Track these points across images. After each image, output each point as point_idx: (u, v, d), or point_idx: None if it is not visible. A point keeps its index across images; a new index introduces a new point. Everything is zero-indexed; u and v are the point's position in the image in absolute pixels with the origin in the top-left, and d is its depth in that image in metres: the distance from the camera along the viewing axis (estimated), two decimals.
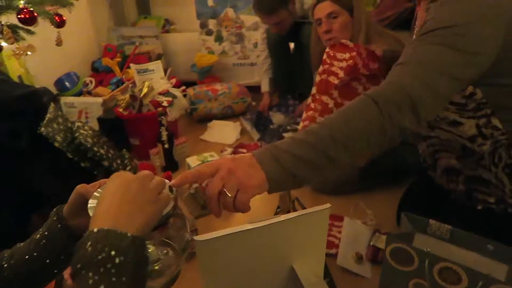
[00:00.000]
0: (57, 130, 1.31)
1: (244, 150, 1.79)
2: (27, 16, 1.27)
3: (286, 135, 1.96)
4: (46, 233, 0.57)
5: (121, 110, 1.85)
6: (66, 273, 0.87)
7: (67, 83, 2.06)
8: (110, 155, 1.47)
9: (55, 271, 0.59)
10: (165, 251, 0.54)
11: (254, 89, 2.42)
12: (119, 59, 2.44)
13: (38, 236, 0.58)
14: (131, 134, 1.89)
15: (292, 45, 2.27)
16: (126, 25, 2.77)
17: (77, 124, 1.44)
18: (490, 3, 0.70)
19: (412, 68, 0.70)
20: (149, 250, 0.52)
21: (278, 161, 0.60)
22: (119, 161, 1.52)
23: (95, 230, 0.42)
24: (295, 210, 1.01)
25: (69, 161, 1.33)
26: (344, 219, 1.24)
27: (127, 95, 1.86)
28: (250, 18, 2.47)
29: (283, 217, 0.56)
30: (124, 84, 2.22)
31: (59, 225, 0.57)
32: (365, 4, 1.86)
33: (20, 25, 1.30)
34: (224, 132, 2.11)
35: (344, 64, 1.32)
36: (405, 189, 1.26)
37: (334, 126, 0.65)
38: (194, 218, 1.35)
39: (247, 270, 0.58)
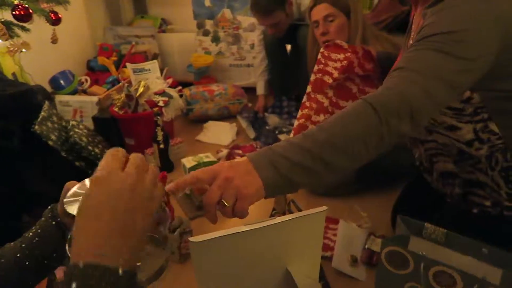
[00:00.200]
0: (51, 128, 1.30)
1: (240, 151, 1.79)
2: (22, 13, 1.26)
3: (281, 136, 1.97)
4: (39, 230, 0.57)
5: (116, 109, 1.84)
6: (58, 272, 0.86)
7: (62, 82, 2.04)
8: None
9: (47, 269, 0.58)
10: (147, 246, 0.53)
11: (250, 90, 2.42)
12: (115, 58, 2.43)
13: (31, 234, 0.57)
14: (127, 133, 1.88)
15: (288, 47, 2.27)
16: (123, 24, 2.76)
17: (71, 123, 1.43)
18: (485, 8, 0.70)
19: (411, 74, 0.69)
20: None
21: (275, 167, 0.60)
22: None
23: (80, 265, 0.37)
24: (290, 212, 1.01)
25: (63, 160, 1.31)
26: (340, 222, 1.23)
27: (123, 95, 1.85)
28: (247, 19, 2.47)
29: (279, 219, 0.55)
30: (120, 84, 2.21)
31: (53, 223, 0.57)
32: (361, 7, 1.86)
33: (15, 21, 1.29)
34: (220, 133, 2.10)
35: (338, 64, 1.33)
36: (400, 192, 1.26)
37: (332, 131, 0.65)
38: (189, 219, 1.34)
39: (242, 272, 0.58)
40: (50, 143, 1.27)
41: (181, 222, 1.16)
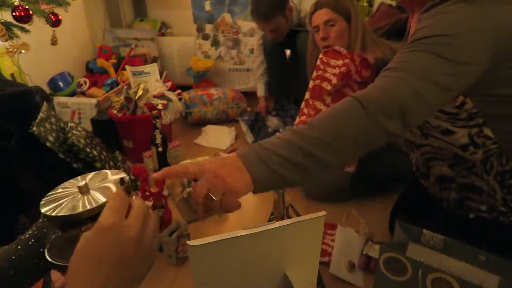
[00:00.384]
0: (49, 130, 1.29)
1: None
2: (22, 14, 1.25)
3: None
4: (35, 232, 0.56)
5: (115, 111, 1.84)
6: (54, 275, 0.86)
7: (60, 83, 2.04)
8: (103, 156, 1.45)
9: (43, 271, 0.58)
10: None
11: (249, 95, 2.42)
12: (114, 61, 2.43)
13: (27, 235, 0.57)
14: (125, 136, 1.87)
15: (288, 52, 2.28)
16: (122, 27, 2.76)
17: (70, 124, 1.43)
18: (479, 15, 0.71)
19: (402, 74, 0.70)
20: None
21: (265, 163, 0.61)
22: (111, 163, 1.50)
23: None
24: (289, 217, 1.01)
25: (60, 161, 1.31)
26: (337, 227, 1.23)
27: (122, 97, 1.84)
28: (247, 24, 2.47)
29: (277, 223, 0.55)
30: (118, 86, 2.21)
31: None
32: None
33: (15, 22, 1.29)
34: (218, 137, 2.10)
35: (337, 70, 1.33)
36: (397, 198, 1.26)
37: (321, 128, 0.66)
38: (187, 223, 1.33)
39: (240, 276, 0.57)
40: (48, 144, 1.26)
41: (179, 226, 1.15)
